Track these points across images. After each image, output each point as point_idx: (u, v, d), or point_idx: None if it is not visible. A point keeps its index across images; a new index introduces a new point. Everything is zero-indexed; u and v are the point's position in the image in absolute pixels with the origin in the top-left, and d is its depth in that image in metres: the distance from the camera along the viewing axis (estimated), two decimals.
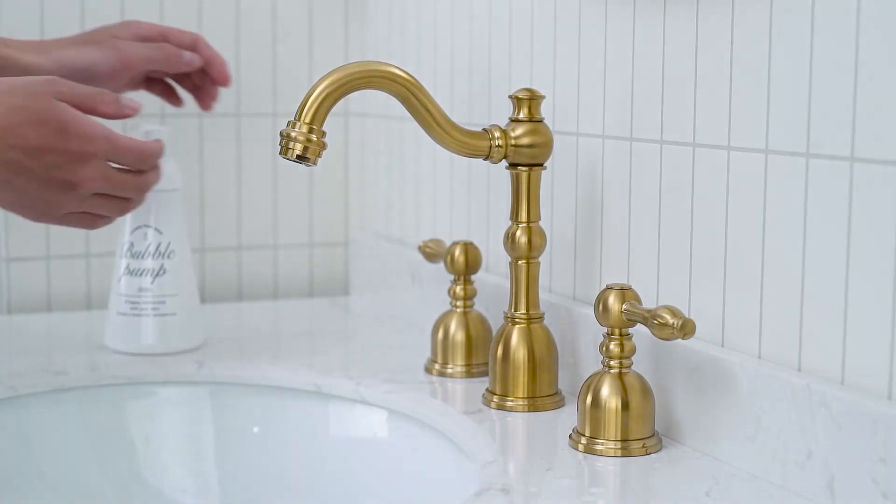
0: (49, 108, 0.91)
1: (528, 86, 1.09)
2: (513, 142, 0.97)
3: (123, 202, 1.02)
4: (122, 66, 1.12)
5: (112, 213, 1.01)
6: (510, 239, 1.00)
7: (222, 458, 1.13)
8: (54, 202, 0.95)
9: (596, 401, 0.88)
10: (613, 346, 0.88)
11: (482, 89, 1.20)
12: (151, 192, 1.08)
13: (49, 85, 0.93)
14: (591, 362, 0.99)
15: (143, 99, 1.46)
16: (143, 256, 1.18)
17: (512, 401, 0.99)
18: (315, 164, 0.89)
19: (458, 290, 1.11)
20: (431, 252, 1.16)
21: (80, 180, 0.94)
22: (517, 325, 0.99)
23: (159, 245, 1.19)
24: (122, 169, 1.00)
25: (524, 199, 0.99)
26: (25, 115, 0.90)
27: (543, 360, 1.00)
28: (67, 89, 0.93)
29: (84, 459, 1.11)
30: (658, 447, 0.89)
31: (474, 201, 1.23)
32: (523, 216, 0.99)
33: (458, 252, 1.11)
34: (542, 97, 0.99)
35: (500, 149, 0.97)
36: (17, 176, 0.91)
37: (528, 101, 0.98)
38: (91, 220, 1.01)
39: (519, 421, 0.97)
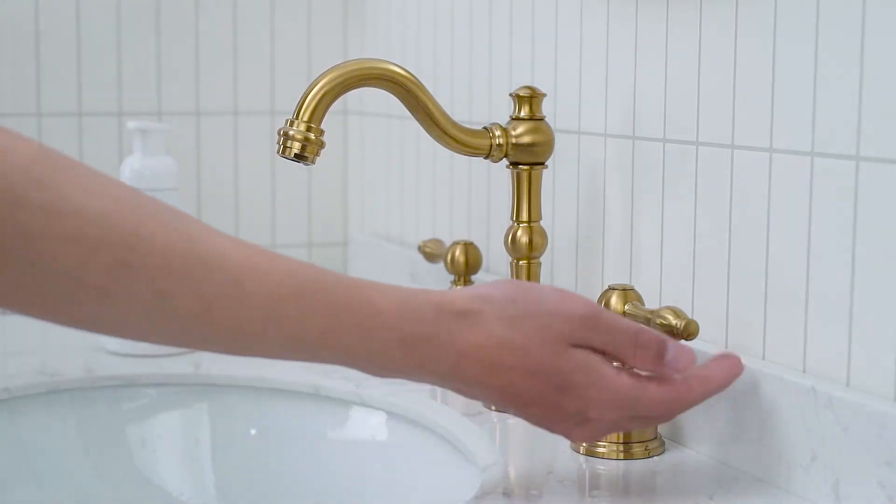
0: (554, 357, 0.69)
1: (529, 83, 1.08)
2: (513, 140, 0.97)
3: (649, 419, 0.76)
4: None
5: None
6: (511, 239, 1.00)
7: (219, 460, 1.13)
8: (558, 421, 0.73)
9: None
10: None
11: (482, 87, 1.20)
12: None
13: (574, 323, 0.70)
14: None
15: (140, 97, 1.46)
16: None
17: None
18: (313, 162, 0.89)
19: (459, 290, 1.11)
20: (431, 252, 1.16)
21: (579, 433, 0.73)
22: None
23: None
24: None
25: (525, 199, 0.99)
26: (525, 357, 0.69)
27: None
28: (606, 327, 0.71)
29: (79, 462, 1.11)
30: (660, 450, 0.88)
31: (474, 201, 1.22)
32: (524, 216, 0.99)
33: (458, 252, 1.11)
34: (544, 95, 0.99)
35: (501, 147, 0.97)
36: (491, 401, 0.72)
37: (529, 98, 0.98)
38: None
39: (520, 423, 0.97)
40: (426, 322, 0.68)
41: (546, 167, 0.99)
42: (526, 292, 0.71)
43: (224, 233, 0.67)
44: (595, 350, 0.71)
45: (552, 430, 0.74)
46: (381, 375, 0.70)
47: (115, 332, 0.67)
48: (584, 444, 0.88)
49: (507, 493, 0.80)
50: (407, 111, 0.95)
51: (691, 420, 0.88)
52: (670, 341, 0.72)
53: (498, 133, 0.97)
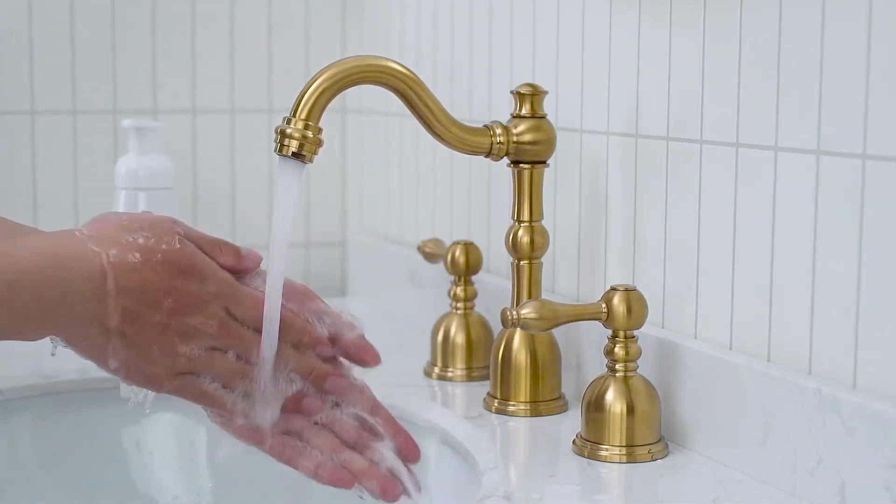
0: (177, 249, 0.80)
1: (530, 81, 1.08)
2: (514, 139, 0.97)
3: (238, 365, 0.83)
4: None
5: (224, 377, 0.83)
6: (512, 239, 0.99)
7: (215, 463, 1.13)
8: (167, 355, 0.80)
9: (600, 405, 0.88)
10: (618, 349, 0.88)
11: (483, 84, 1.20)
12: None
13: (174, 224, 0.82)
14: (595, 366, 0.99)
15: (135, 94, 1.46)
16: None
17: (514, 405, 0.99)
18: (311, 161, 0.88)
19: (459, 291, 1.11)
20: (431, 252, 1.16)
21: (195, 325, 0.81)
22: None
23: None
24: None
25: (526, 198, 0.99)
26: (153, 256, 0.79)
27: (546, 363, 0.99)
28: (190, 231, 0.84)
29: (74, 465, 1.11)
30: (664, 453, 0.88)
31: (475, 200, 1.22)
32: (525, 215, 0.99)
33: (458, 252, 1.11)
34: (545, 93, 0.99)
35: (502, 146, 0.97)
36: (130, 324, 0.79)
37: (531, 96, 0.98)
38: (206, 387, 0.83)
39: (521, 426, 0.97)
40: (68, 245, 0.77)
41: (547, 166, 0.99)
42: (122, 212, 0.84)
43: None
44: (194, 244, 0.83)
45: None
46: (34, 335, 0.78)
47: None
48: (587, 449, 0.88)
49: (507, 497, 0.80)
50: (406, 109, 0.95)
51: (695, 423, 0.88)
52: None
53: (499, 131, 0.97)
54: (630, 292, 0.88)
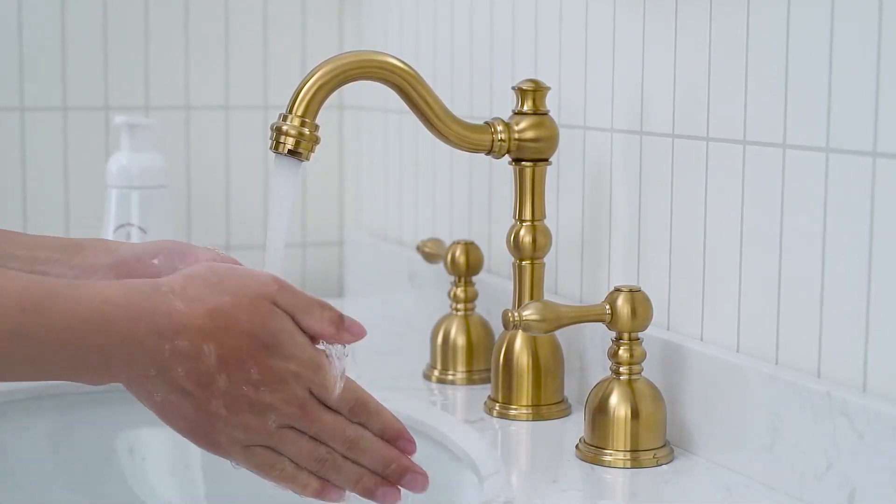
0: (261, 315, 0.77)
1: (532, 76, 1.08)
2: (516, 136, 0.97)
3: (314, 446, 0.80)
4: None
5: (302, 459, 0.80)
6: (513, 238, 1.00)
7: (210, 467, 1.13)
8: (238, 425, 0.77)
9: (604, 409, 0.88)
10: (622, 352, 0.88)
11: (484, 80, 1.20)
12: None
13: (269, 286, 0.78)
14: (598, 368, 0.99)
15: (127, 90, 1.46)
16: None
17: (515, 409, 0.99)
18: (308, 159, 0.89)
19: (459, 292, 1.11)
20: (430, 252, 1.16)
21: (271, 403, 0.77)
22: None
23: None
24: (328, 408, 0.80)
25: (528, 197, 0.99)
26: (234, 318, 0.76)
27: (548, 366, 0.99)
28: (287, 293, 0.79)
29: (66, 470, 1.11)
30: (669, 458, 0.88)
31: (475, 199, 1.22)
32: (527, 214, 0.99)
33: (458, 252, 1.11)
34: (548, 88, 0.99)
35: (503, 143, 0.97)
36: (201, 387, 0.76)
37: (533, 92, 0.98)
38: (276, 461, 0.80)
39: (523, 430, 0.97)
40: (147, 298, 0.75)
41: (550, 164, 0.99)
42: (218, 266, 0.80)
43: None
44: (287, 312, 0.79)
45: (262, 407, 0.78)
46: (97, 380, 0.75)
47: None
48: (590, 454, 0.88)
49: (509, 503, 0.80)
50: (405, 105, 0.95)
51: (701, 427, 0.88)
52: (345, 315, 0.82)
53: (500, 128, 0.97)
54: (634, 293, 0.88)
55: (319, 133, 0.89)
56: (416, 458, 1.01)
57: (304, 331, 0.78)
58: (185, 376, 0.75)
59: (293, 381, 0.77)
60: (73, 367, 0.74)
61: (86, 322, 0.73)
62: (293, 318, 0.78)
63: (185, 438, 0.80)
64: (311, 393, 0.78)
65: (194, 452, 1.14)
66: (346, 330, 0.81)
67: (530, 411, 0.99)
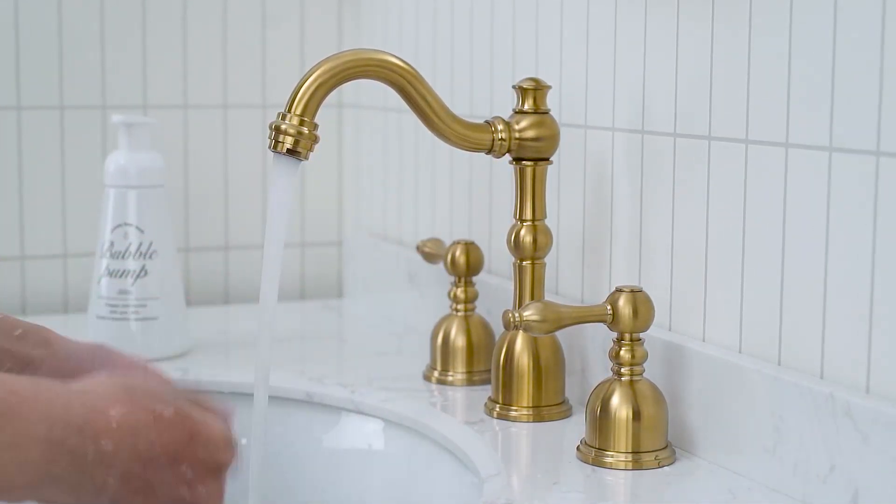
0: (179, 412, 0.73)
1: (532, 75, 1.08)
2: (517, 135, 0.97)
3: None
4: None
5: None
6: (514, 238, 1.00)
7: None
8: None
9: (605, 410, 0.88)
10: (624, 353, 0.88)
11: (484, 79, 1.20)
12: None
13: (166, 383, 0.77)
14: (600, 369, 0.99)
15: (125, 89, 1.46)
16: (123, 257, 1.18)
17: (516, 410, 0.99)
18: (306, 158, 0.89)
19: (459, 292, 1.11)
20: (430, 252, 1.16)
21: (212, 501, 0.75)
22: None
23: (141, 245, 1.19)
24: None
25: (529, 196, 0.99)
26: (154, 416, 0.71)
27: (549, 367, 0.99)
28: (184, 388, 0.78)
29: None
30: (671, 459, 0.88)
31: (476, 198, 1.22)
32: (528, 214, 0.99)
33: (458, 252, 1.11)
34: (548, 87, 0.99)
35: (504, 142, 0.97)
36: (135, 494, 0.71)
37: (533, 91, 0.98)
38: None
39: (523, 432, 0.97)
40: (58, 395, 0.69)
41: (551, 163, 0.99)
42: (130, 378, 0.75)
43: None
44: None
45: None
46: (17, 489, 0.68)
47: None
48: (591, 456, 0.88)
49: None
50: (405, 104, 0.95)
51: (703, 428, 0.88)
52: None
53: (500, 127, 0.97)
54: (636, 293, 0.88)
55: (318, 132, 0.89)
56: (416, 458, 1.01)
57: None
58: (115, 484, 0.70)
59: (223, 471, 0.75)
60: None
61: None
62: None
63: None
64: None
65: None
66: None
67: (531, 412, 0.99)
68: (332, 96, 0.93)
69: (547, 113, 0.98)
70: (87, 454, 0.68)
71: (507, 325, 0.89)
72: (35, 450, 0.67)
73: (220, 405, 0.78)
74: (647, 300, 0.88)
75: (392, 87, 0.94)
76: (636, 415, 0.87)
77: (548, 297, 1.01)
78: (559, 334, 0.98)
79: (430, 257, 1.16)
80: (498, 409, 1.00)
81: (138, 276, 1.18)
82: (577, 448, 0.90)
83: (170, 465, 0.71)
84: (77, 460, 0.68)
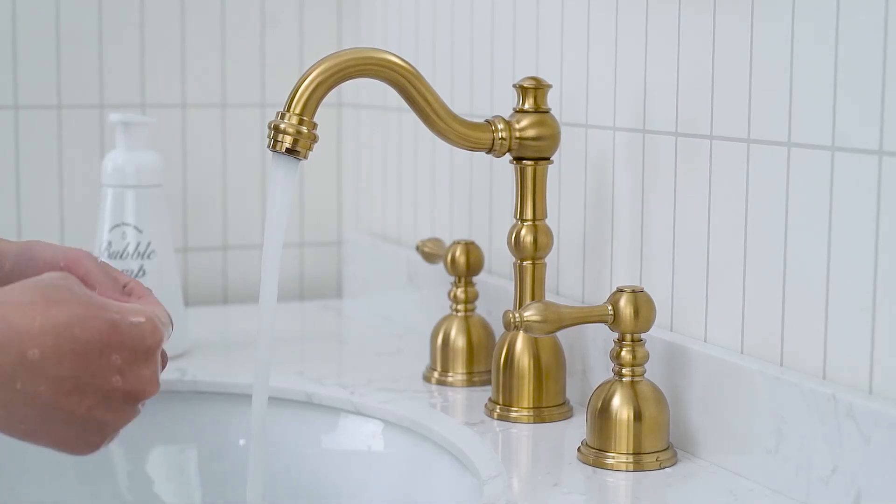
0: (95, 302, 0.72)
1: (533, 74, 1.08)
2: (517, 134, 0.97)
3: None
4: None
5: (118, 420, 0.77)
6: (514, 238, 1.00)
7: (206, 472, 1.13)
8: (111, 424, 0.74)
9: (606, 411, 0.88)
10: (625, 353, 0.88)
11: (484, 78, 1.20)
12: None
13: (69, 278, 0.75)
14: (600, 370, 0.99)
15: (123, 88, 1.46)
16: (121, 257, 1.18)
17: (516, 411, 0.99)
18: (306, 157, 0.89)
19: (459, 292, 1.11)
20: (430, 252, 1.16)
21: (145, 389, 0.74)
22: None
23: (139, 245, 1.19)
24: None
25: (529, 196, 0.99)
26: (73, 311, 0.71)
27: (550, 367, 0.99)
28: (93, 278, 0.78)
29: (58, 475, 1.11)
30: (672, 461, 0.88)
31: (476, 198, 1.22)
32: (528, 214, 0.99)
33: (458, 252, 1.11)
34: (549, 86, 0.99)
35: (504, 142, 0.97)
36: (68, 395, 0.70)
37: (534, 90, 0.98)
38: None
39: (524, 433, 0.97)
40: None
41: (551, 162, 0.99)
42: (50, 279, 0.75)
43: None
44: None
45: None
46: None
47: None
48: (592, 457, 0.88)
49: None
50: (404, 103, 0.95)
51: (705, 429, 0.88)
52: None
53: (501, 126, 0.97)
54: (637, 294, 0.88)
55: (317, 131, 0.89)
56: (416, 460, 1.01)
57: None
58: (47, 391, 0.70)
59: (155, 352, 0.75)
60: None
61: None
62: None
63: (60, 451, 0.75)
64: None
65: (190, 455, 1.14)
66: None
67: (531, 413, 0.99)
68: (332, 95, 0.93)
69: (548, 112, 0.98)
70: (13, 368, 0.68)
71: (507, 326, 0.89)
72: None
73: (139, 287, 0.80)
74: (649, 300, 0.88)
75: (392, 86, 0.94)
76: (637, 416, 0.87)
77: (548, 297, 1.01)
78: (560, 335, 0.98)
79: (430, 257, 1.16)
80: (498, 411, 1.00)
81: (136, 276, 1.18)
82: (578, 449, 0.90)
83: (97, 356, 0.71)
84: (4, 377, 0.69)
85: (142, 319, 0.74)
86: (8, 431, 0.72)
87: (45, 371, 0.69)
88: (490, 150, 0.98)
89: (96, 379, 0.72)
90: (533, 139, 0.98)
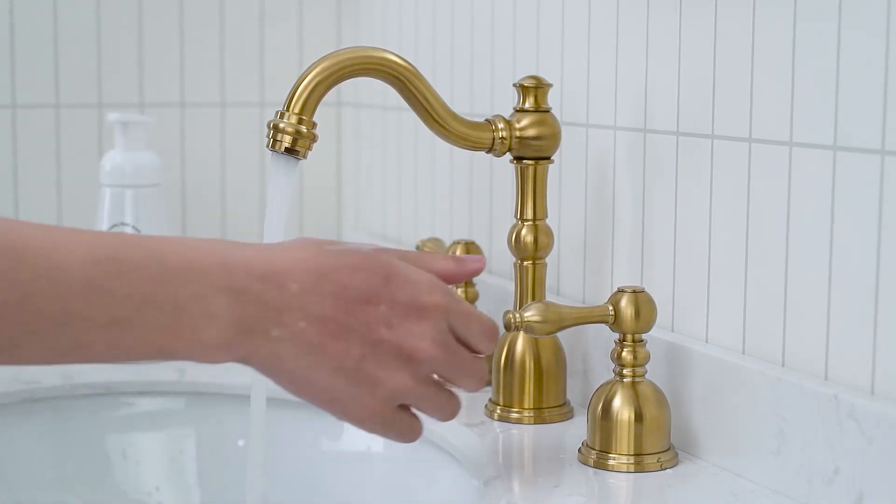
0: (371, 255, 0.72)
1: (534, 73, 1.08)
2: (517, 133, 0.97)
3: (452, 398, 0.77)
4: None
5: (439, 412, 0.76)
6: (515, 238, 0.99)
7: (205, 473, 1.13)
8: (381, 382, 0.71)
9: (607, 412, 0.88)
10: (626, 354, 0.88)
11: (485, 77, 1.20)
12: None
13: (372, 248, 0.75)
14: (601, 371, 0.99)
15: (121, 87, 1.46)
16: None
17: (517, 412, 0.99)
18: (305, 157, 0.89)
19: (459, 293, 1.11)
20: (430, 252, 1.16)
21: (416, 346, 0.71)
22: None
23: None
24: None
25: (530, 196, 0.99)
26: (343, 261, 0.71)
27: (551, 368, 0.99)
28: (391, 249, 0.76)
29: (56, 474, 1.11)
30: (674, 462, 0.88)
31: (476, 198, 1.22)
32: (529, 213, 0.99)
33: (458, 252, 1.11)
34: (550, 85, 0.99)
35: (504, 141, 0.97)
36: (334, 339, 0.69)
37: (535, 89, 0.98)
38: (418, 425, 0.76)
39: (525, 434, 0.97)
40: (237, 246, 0.69)
41: (552, 162, 0.99)
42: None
43: (16, 219, 0.67)
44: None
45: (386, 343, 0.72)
46: (211, 350, 0.68)
47: None
48: (593, 458, 0.88)
49: None
50: (404, 102, 0.95)
51: (706, 430, 0.88)
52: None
53: (501, 126, 0.97)
54: (638, 294, 0.88)
55: (317, 131, 0.89)
56: (416, 461, 1.01)
57: None
58: (309, 328, 0.68)
59: (430, 315, 0.72)
60: (162, 329, 0.66)
61: (173, 270, 0.66)
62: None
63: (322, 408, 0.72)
64: (450, 329, 0.73)
65: (189, 456, 1.14)
66: (466, 262, 0.77)
67: (532, 414, 0.99)
68: (331, 94, 0.93)
69: (548, 111, 0.98)
70: (273, 299, 0.68)
71: (507, 326, 0.88)
72: (220, 300, 0.67)
73: (443, 263, 0.77)
74: (650, 301, 0.88)
75: (391, 86, 0.93)
76: (638, 416, 0.87)
77: (549, 297, 1.01)
78: (560, 335, 0.98)
79: None
80: (499, 412, 1.00)
81: None
82: (579, 450, 0.90)
83: (363, 303, 0.70)
84: (264, 307, 0.68)
85: (420, 278, 0.72)
86: (280, 379, 0.71)
87: (306, 306, 0.69)
88: (490, 150, 0.97)
89: (361, 326, 0.70)
90: (533, 138, 0.97)
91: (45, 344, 0.65)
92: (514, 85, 0.99)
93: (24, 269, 0.63)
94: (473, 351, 0.76)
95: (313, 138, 0.89)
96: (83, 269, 0.64)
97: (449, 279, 0.76)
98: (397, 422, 0.74)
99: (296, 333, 0.69)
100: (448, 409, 0.76)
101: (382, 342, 0.70)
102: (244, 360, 0.69)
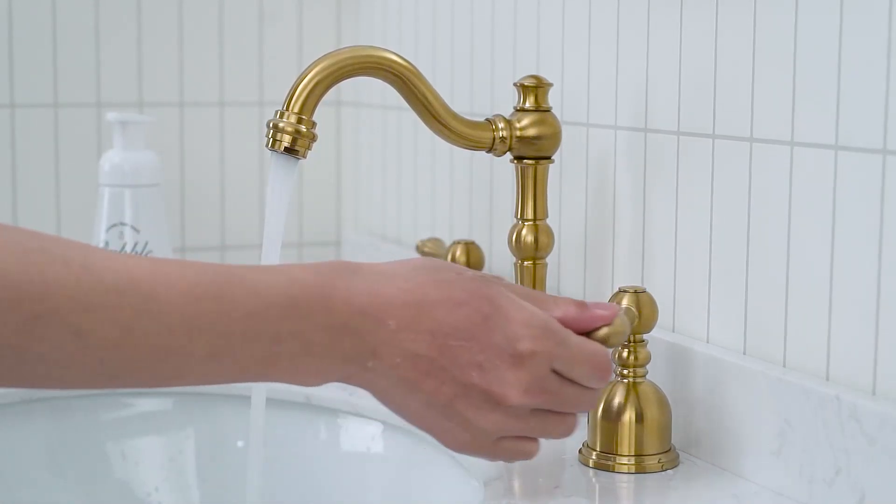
0: (479, 289, 0.71)
1: (534, 72, 1.08)
2: (518, 133, 0.97)
3: (568, 418, 0.75)
4: None
5: (547, 435, 0.75)
6: (515, 238, 0.99)
7: (205, 474, 1.13)
8: (472, 422, 0.71)
9: (608, 413, 0.88)
10: (627, 354, 0.88)
11: (485, 76, 1.20)
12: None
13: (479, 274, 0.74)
14: None
15: (120, 86, 1.46)
16: None
17: None
18: (304, 157, 0.89)
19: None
20: (430, 252, 1.16)
21: (505, 394, 0.71)
22: None
23: (136, 244, 1.19)
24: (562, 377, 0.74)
25: (530, 195, 0.99)
26: (446, 294, 0.70)
27: None
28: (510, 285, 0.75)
29: (56, 476, 1.11)
30: (675, 463, 0.88)
31: (476, 197, 1.22)
32: (529, 213, 0.99)
33: (458, 252, 1.11)
34: (550, 85, 0.99)
35: (505, 141, 0.97)
36: (427, 377, 0.69)
37: (535, 89, 0.98)
38: (529, 446, 0.75)
39: None
40: (340, 276, 0.70)
41: (552, 161, 0.99)
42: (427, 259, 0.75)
43: (122, 253, 0.68)
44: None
45: (482, 385, 0.71)
46: (307, 377, 0.70)
47: (36, 384, 0.67)
48: (594, 459, 0.88)
49: None
50: (404, 102, 0.95)
51: (708, 431, 0.88)
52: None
53: (501, 125, 0.97)
54: (639, 294, 0.88)
55: (316, 130, 0.89)
56: (416, 461, 1.01)
57: None
58: (403, 364, 0.69)
59: (531, 359, 0.71)
60: (259, 361, 0.67)
61: (273, 307, 0.67)
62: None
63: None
64: (554, 370, 0.72)
65: (188, 457, 1.14)
66: (591, 310, 0.75)
67: None
68: (331, 94, 0.93)
69: (548, 111, 0.98)
70: (370, 334, 0.68)
71: None
72: (318, 335, 0.68)
73: (561, 303, 0.75)
74: (651, 301, 0.88)
75: (391, 85, 0.93)
76: (639, 417, 0.87)
77: None
78: None
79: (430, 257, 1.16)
80: None
81: None
82: (580, 451, 0.90)
83: (457, 345, 0.70)
84: (361, 341, 0.69)
85: (523, 318, 0.71)
86: (381, 401, 0.72)
87: (402, 343, 0.69)
88: (490, 149, 0.97)
89: (453, 367, 0.70)
90: (534, 138, 0.97)
91: (142, 375, 0.67)
92: (515, 84, 0.99)
93: (126, 306, 0.65)
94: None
95: (313, 138, 0.89)
96: (184, 307, 0.66)
97: (569, 325, 0.74)
98: (500, 450, 0.74)
99: (391, 368, 0.70)
100: (557, 432, 0.75)
101: (473, 386, 0.70)
102: (343, 382, 0.71)
